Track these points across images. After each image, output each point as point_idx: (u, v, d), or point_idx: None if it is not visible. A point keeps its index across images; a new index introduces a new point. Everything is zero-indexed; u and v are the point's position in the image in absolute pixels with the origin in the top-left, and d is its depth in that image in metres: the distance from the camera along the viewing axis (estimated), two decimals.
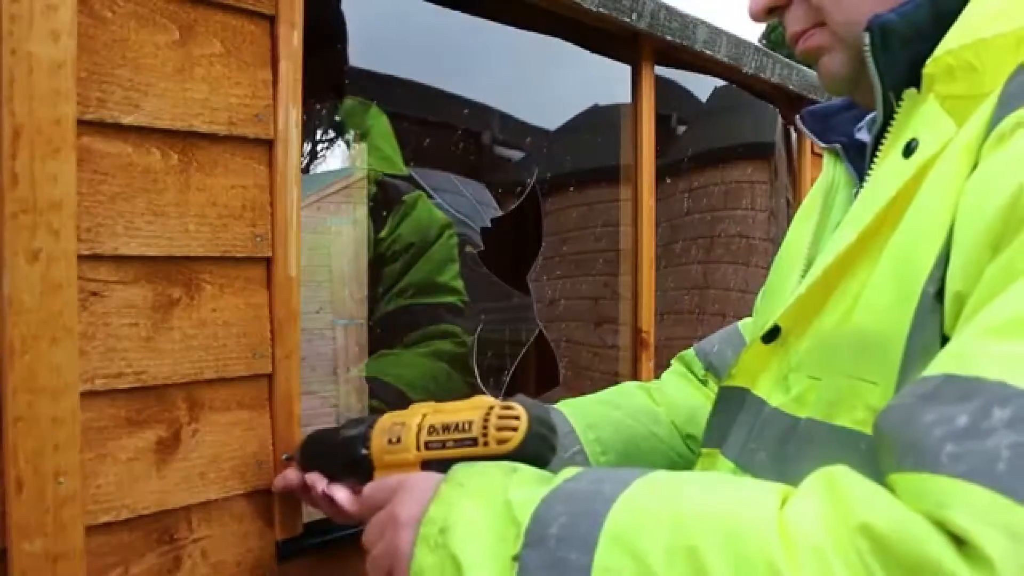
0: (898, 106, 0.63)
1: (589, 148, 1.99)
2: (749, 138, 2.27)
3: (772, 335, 0.68)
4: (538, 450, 0.68)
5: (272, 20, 0.90)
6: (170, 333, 0.83)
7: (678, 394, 0.98)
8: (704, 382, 1.00)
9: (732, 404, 0.73)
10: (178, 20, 0.82)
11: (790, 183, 2.25)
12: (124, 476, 0.79)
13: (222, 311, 0.87)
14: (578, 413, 0.94)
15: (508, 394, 1.65)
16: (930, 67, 0.59)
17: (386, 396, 1.39)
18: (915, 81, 0.61)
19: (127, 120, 0.79)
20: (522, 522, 0.54)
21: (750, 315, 0.98)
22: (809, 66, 0.73)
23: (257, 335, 0.90)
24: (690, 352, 1.03)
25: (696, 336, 1.15)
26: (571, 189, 1.99)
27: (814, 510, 0.45)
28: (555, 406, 0.95)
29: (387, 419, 0.77)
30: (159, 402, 0.82)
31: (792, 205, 2.23)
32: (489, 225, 1.81)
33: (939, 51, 0.58)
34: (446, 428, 0.70)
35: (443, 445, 0.70)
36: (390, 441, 0.74)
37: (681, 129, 2.27)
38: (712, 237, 2.24)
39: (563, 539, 0.52)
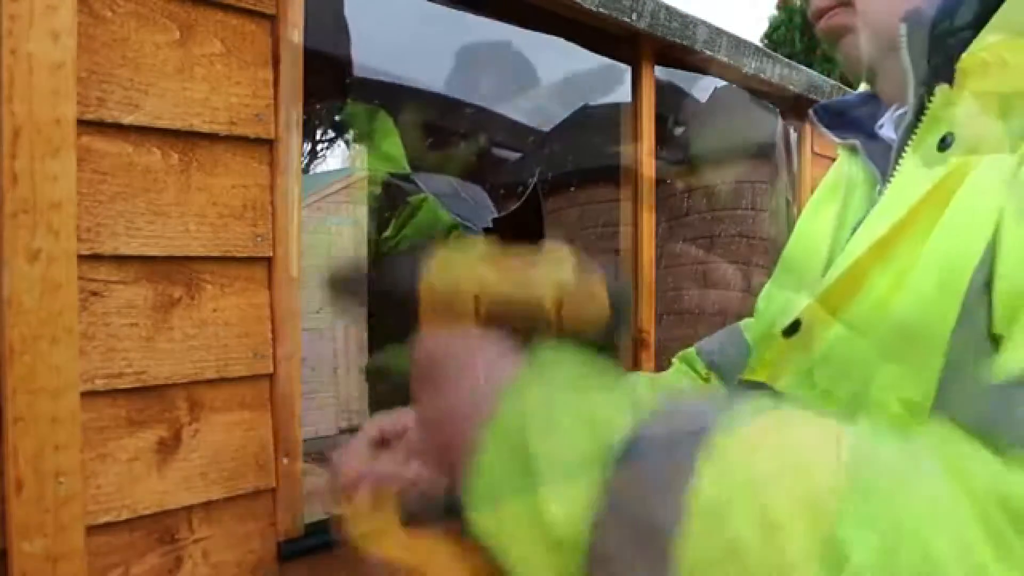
0: (929, 101, 0.62)
1: (589, 148, 1.99)
2: (749, 138, 2.27)
3: (793, 329, 0.68)
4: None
5: (273, 20, 0.90)
6: (171, 333, 0.83)
7: (677, 383, 0.98)
8: (707, 380, 0.99)
9: None
10: (178, 20, 0.82)
11: (790, 183, 2.24)
12: (125, 476, 0.79)
13: (223, 311, 0.87)
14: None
15: None
16: (965, 61, 0.58)
17: (391, 386, 1.39)
18: (945, 76, 0.60)
19: (127, 120, 0.79)
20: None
21: (751, 316, 0.98)
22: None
23: (258, 335, 0.90)
24: (692, 351, 1.03)
25: (696, 336, 1.15)
26: (571, 189, 1.99)
27: None
28: None
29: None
30: (160, 402, 0.82)
31: (792, 205, 2.23)
32: (490, 226, 1.82)
33: (975, 46, 0.58)
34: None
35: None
36: None
37: (680, 129, 2.27)
38: (712, 237, 2.24)
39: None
